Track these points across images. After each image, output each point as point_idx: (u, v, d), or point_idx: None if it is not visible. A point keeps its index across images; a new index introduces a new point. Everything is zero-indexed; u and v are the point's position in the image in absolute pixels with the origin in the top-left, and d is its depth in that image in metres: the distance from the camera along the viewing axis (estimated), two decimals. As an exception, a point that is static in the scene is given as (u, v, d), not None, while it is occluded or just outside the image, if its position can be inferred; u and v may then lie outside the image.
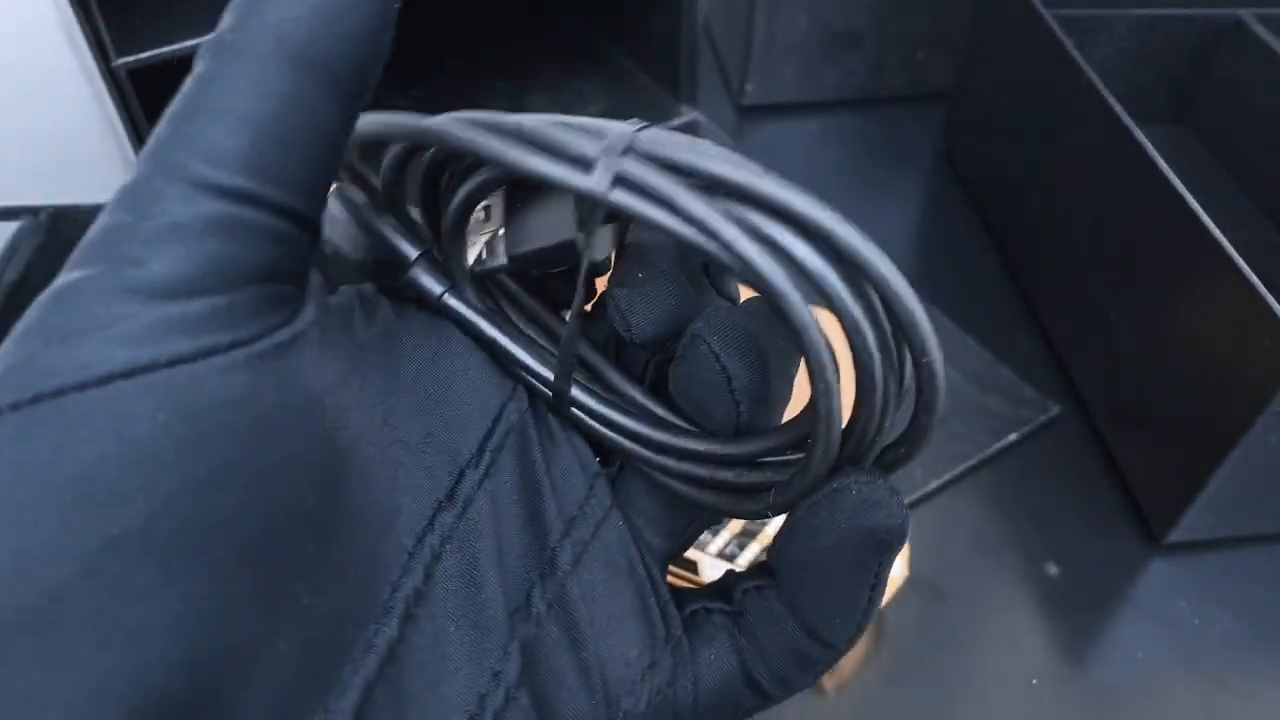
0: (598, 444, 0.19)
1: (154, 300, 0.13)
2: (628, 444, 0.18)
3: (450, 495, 0.17)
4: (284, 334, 0.14)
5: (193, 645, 0.12)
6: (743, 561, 0.34)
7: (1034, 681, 0.34)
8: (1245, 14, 0.51)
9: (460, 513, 0.17)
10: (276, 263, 0.14)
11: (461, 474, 0.17)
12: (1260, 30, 0.50)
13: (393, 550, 0.16)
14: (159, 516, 0.12)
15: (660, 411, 0.18)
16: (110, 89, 0.39)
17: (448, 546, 0.16)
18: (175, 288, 0.13)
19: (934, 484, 0.40)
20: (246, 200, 0.13)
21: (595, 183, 0.14)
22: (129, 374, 0.12)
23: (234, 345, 0.13)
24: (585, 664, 0.17)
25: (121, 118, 0.40)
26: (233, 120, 0.13)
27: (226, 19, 0.14)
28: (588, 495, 0.18)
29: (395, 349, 0.17)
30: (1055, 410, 0.43)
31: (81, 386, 0.12)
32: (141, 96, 0.40)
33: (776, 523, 0.40)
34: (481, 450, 0.17)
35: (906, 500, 0.38)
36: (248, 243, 0.14)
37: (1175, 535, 0.38)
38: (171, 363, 0.13)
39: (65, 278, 0.13)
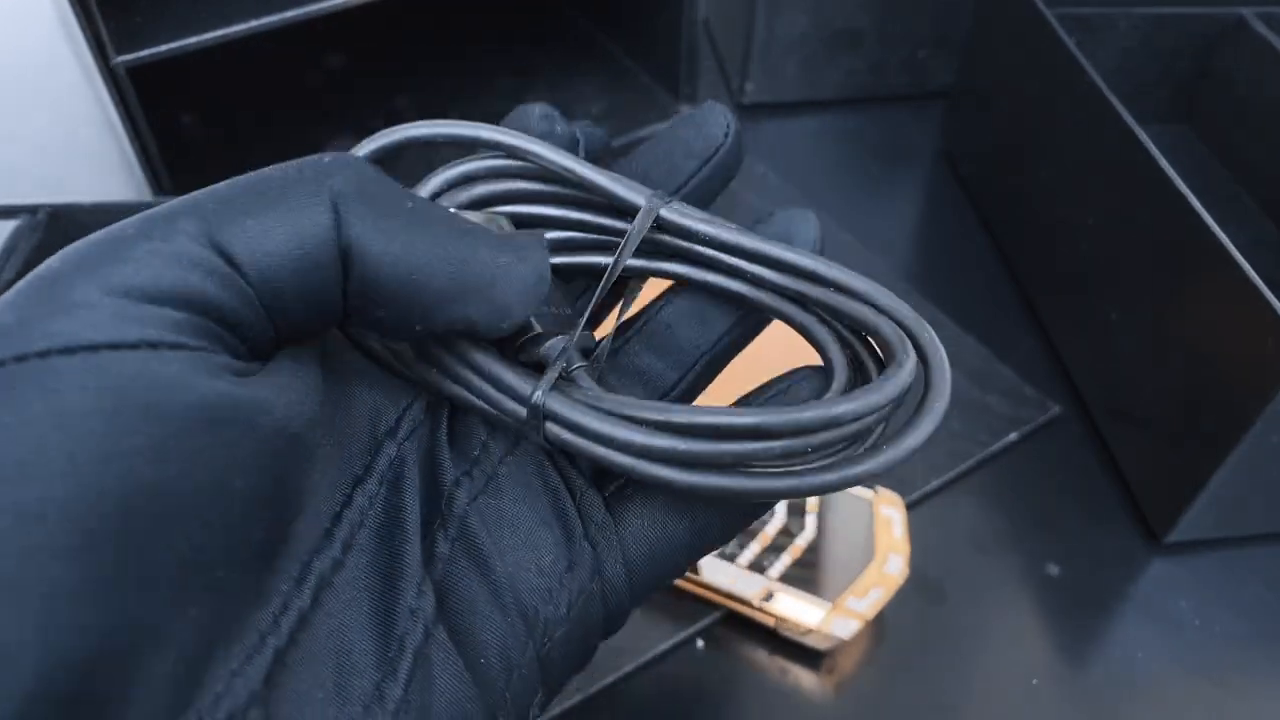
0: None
1: (115, 296, 0.14)
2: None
3: (368, 468, 0.18)
4: (227, 358, 0.15)
5: (106, 610, 0.12)
6: (743, 560, 0.34)
7: (1034, 681, 0.34)
8: (1247, 13, 0.51)
9: (379, 481, 0.18)
10: (245, 329, 0.15)
11: (380, 446, 0.18)
12: (1262, 29, 0.50)
13: (308, 527, 0.16)
14: (81, 485, 0.12)
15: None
16: (109, 87, 0.39)
17: (367, 516, 0.17)
18: (140, 292, 0.14)
19: (934, 483, 0.40)
20: (245, 280, 0.15)
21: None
22: (68, 351, 0.13)
23: (176, 346, 0.14)
24: (495, 585, 0.18)
25: (120, 116, 0.40)
26: (278, 217, 0.15)
27: (340, 156, 0.16)
28: (490, 435, 0.20)
29: (324, 345, 0.18)
30: (1055, 410, 0.43)
31: (20, 358, 0.13)
32: (141, 95, 0.39)
33: (777, 523, 0.40)
34: (399, 422, 0.19)
35: (907, 500, 0.38)
36: (230, 300, 0.15)
37: (1176, 534, 0.38)
38: (112, 346, 0.13)
39: (48, 263, 0.14)
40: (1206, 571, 0.38)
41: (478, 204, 0.20)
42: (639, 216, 0.20)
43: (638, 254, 0.21)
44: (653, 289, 0.22)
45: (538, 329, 0.19)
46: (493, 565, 0.18)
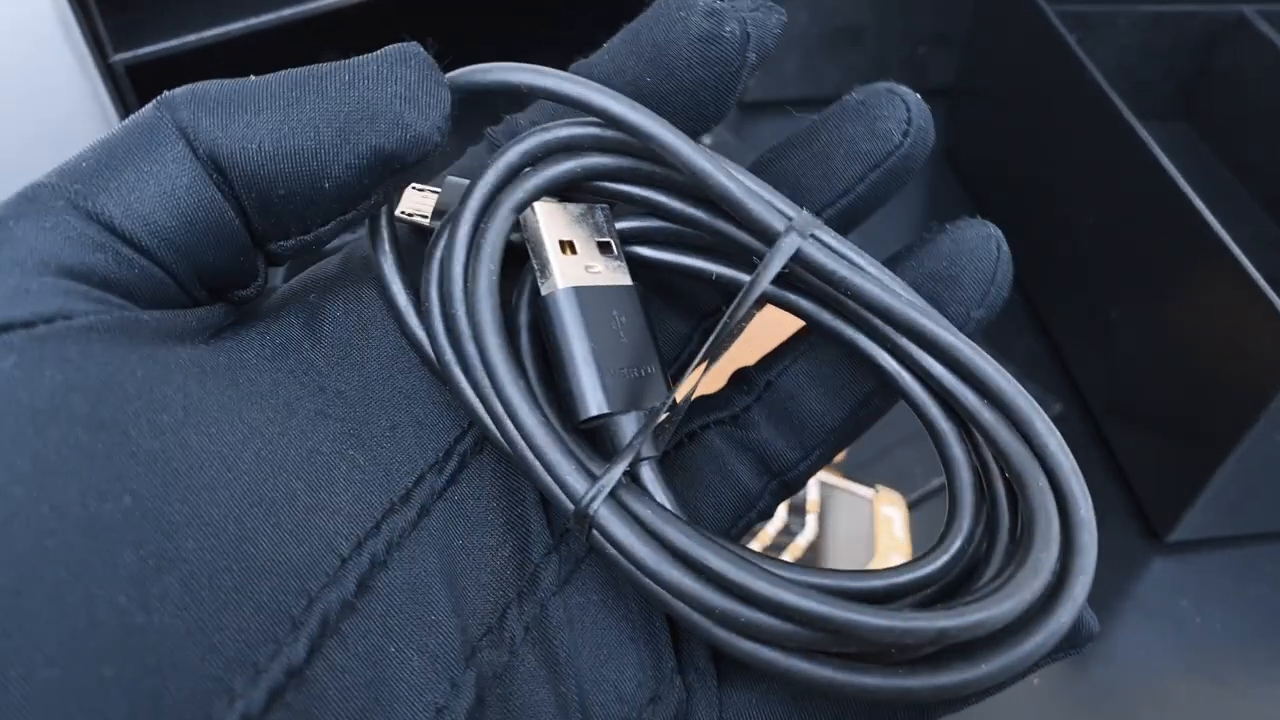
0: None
1: None
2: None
3: (405, 497, 0.15)
4: (89, 319, 0.13)
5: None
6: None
7: (1035, 681, 0.34)
8: (1248, 9, 0.51)
9: (415, 519, 0.15)
10: (135, 286, 0.14)
11: (421, 477, 0.15)
12: (1263, 26, 0.50)
13: (315, 556, 0.14)
14: None
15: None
16: (108, 85, 0.39)
17: (396, 554, 0.14)
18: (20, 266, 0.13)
19: (934, 483, 0.40)
20: (120, 239, 0.14)
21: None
22: None
23: (6, 328, 0.13)
24: (564, 698, 0.15)
25: (119, 114, 0.39)
26: (135, 166, 0.14)
27: (208, 82, 0.15)
28: None
29: (358, 340, 0.16)
30: (1057, 408, 0.43)
31: None
32: (139, 93, 0.39)
33: (777, 522, 0.39)
34: (449, 453, 0.16)
35: (908, 499, 0.38)
36: (108, 263, 0.14)
37: (1177, 533, 0.37)
38: None
39: None
40: (1208, 570, 0.38)
41: (575, 182, 0.16)
42: (774, 251, 0.16)
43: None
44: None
45: (605, 410, 0.16)
46: (565, 674, 0.15)
